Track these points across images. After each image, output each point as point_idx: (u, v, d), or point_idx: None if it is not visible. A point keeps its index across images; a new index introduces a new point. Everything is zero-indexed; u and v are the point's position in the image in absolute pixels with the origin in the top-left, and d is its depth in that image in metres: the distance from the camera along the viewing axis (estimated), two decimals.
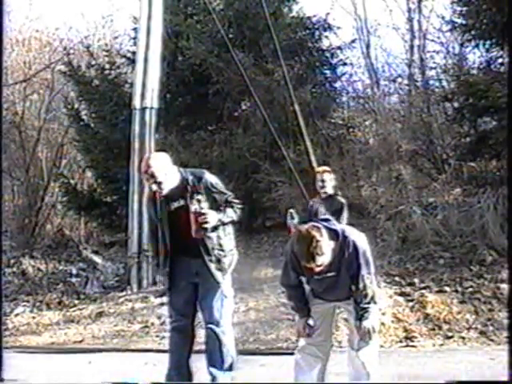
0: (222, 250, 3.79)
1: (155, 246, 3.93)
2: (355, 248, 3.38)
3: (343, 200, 5.85)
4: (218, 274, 3.76)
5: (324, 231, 3.28)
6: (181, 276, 3.83)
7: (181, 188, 3.73)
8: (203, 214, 3.63)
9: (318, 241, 3.20)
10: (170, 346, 3.98)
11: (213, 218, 3.67)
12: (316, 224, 3.33)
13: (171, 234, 3.75)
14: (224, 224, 3.77)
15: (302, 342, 3.62)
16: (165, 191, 3.69)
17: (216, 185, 3.80)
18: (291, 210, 5.95)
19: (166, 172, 3.69)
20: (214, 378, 3.78)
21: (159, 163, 3.70)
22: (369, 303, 3.39)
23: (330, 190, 5.85)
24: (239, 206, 3.85)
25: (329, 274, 3.37)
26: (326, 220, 3.49)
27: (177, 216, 3.74)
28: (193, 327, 3.93)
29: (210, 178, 3.81)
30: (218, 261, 3.76)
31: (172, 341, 3.95)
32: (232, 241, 3.90)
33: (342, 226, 3.65)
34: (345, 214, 5.66)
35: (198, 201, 3.65)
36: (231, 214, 3.79)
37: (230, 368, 3.79)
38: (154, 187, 3.68)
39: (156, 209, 3.80)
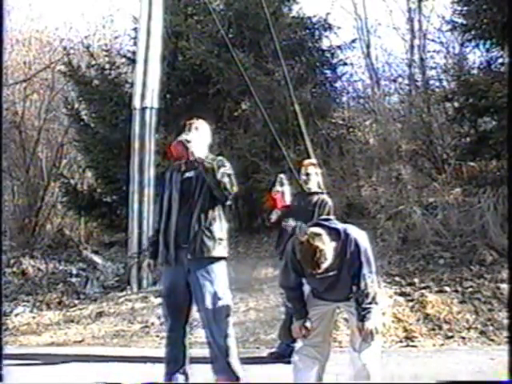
0: (210, 231, 3.78)
1: (158, 225, 4.00)
2: (357, 246, 3.37)
3: (328, 199, 5.18)
4: (209, 243, 3.76)
5: (325, 236, 3.27)
6: (175, 277, 3.83)
7: (196, 163, 3.85)
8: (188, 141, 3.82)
9: (321, 250, 3.21)
10: (166, 347, 3.98)
11: (197, 149, 3.83)
12: (316, 231, 3.31)
13: (180, 201, 3.84)
14: (205, 169, 3.75)
15: (300, 343, 3.62)
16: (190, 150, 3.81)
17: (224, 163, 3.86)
18: (282, 176, 5.29)
19: (200, 140, 3.90)
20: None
21: (204, 131, 4.02)
22: (370, 303, 3.38)
23: (313, 185, 5.22)
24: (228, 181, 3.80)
25: (330, 273, 3.37)
26: (327, 220, 3.49)
27: (184, 186, 3.86)
28: (186, 324, 3.93)
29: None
30: (209, 230, 3.77)
31: (168, 343, 3.96)
32: (223, 231, 3.89)
33: (343, 224, 3.64)
34: (329, 213, 4.94)
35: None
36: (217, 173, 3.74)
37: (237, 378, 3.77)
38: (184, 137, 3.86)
39: (172, 176, 3.96)
